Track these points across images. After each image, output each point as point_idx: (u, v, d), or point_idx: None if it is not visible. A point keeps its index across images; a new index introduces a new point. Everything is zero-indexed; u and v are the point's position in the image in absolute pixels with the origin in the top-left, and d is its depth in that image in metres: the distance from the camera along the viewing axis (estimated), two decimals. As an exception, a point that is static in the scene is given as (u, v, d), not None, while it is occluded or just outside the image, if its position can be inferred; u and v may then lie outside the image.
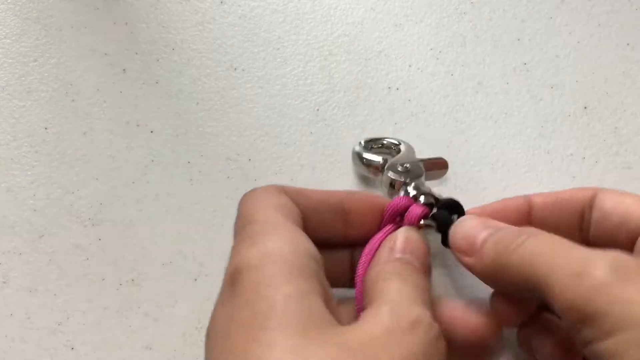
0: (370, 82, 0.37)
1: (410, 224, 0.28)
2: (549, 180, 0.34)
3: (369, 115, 0.36)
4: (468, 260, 0.26)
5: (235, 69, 0.37)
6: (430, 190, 0.30)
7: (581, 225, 0.28)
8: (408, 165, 0.32)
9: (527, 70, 0.38)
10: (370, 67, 0.38)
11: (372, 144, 0.35)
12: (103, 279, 0.32)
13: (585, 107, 0.37)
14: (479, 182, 0.34)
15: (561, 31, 0.39)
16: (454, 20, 0.39)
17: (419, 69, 0.38)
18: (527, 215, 0.28)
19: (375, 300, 0.23)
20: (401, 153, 0.33)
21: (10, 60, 0.37)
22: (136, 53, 0.38)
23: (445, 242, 0.28)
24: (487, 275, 0.26)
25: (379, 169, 0.33)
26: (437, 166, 0.34)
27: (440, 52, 0.38)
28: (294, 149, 0.35)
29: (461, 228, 0.27)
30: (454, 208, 0.29)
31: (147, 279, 0.32)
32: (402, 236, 0.27)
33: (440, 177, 0.34)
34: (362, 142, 0.35)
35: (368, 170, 0.34)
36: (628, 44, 0.39)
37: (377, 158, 0.33)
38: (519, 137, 0.36)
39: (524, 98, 0.37)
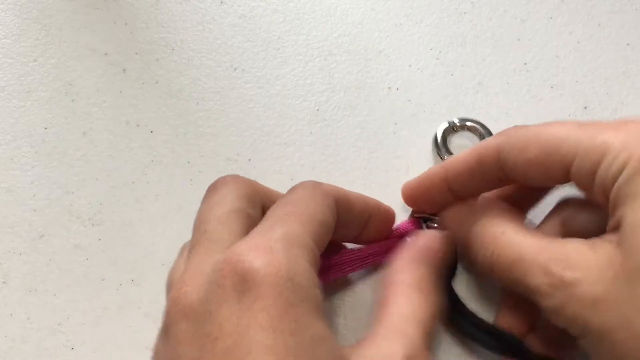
0: (370, 82, 0.37)
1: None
2: (549, 180, 0.34)
3: (368, 115, 0.36)
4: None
5: (235, 69, 0.37)
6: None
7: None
8: None
9: (527, 70, 0.38)
10: (370, 67, 0.38)
11: (462, 124, 0.35)
12: (103, 279, 0.32)
13: (585, 107, 0.37)
14: (479, 182, 0.34)
15: (561, 31, 0.39)
16: (454, 20, 0.39)
17: (419, 69, 0.38)
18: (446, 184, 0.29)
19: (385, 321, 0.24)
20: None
21: (10, 60, 0.37)
22: (136, 53, 0.38)
23: None
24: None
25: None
26: None
27: (440, 52, 0.38)
28: (294, 149, 0.35)
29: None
30: None
31: (147, 279, 0.32)
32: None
33: None
34: (455, 121, 0.35)
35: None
36: (628, 44, 0.39)
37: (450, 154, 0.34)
38: (519, 137, 0.36)
39: (524, 98, 0.37)
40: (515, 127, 0.26)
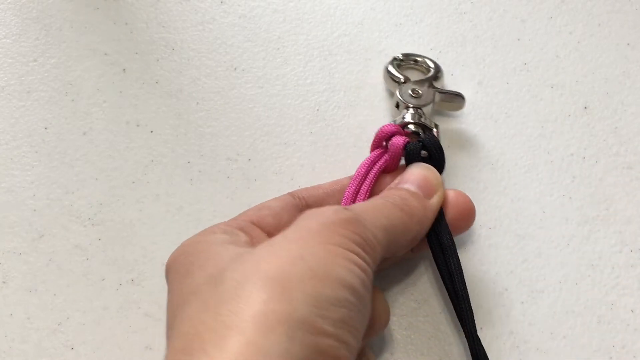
0: (370, 82, 0.37)
1: (393, 152, 0.31)
2: (549, 180, 0.34)
3: (369, 115, 0.36)
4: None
5: (235, 69, 0.37)
6: (423, 120, 0.32)
7: None
8: (420, 91, 0.33)
9: (527, 70, 0.38)
10: (370, 67, 0.38)
11: (407, 59, 0.37)
12: (103, 279, 0.32)
13: (585, 107, 0.37)
14: (479, 182, 0.34)
15: (561, 31, 0.39)
16: (454, 20, 0.39)
17: (419, 69, 0.38)
18: None
19: None
20: (425, 76, 0.35)
21: (10, 60, 0.37)
22: (136, 53, 0.38)
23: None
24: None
25: (399, 84, 0.35)
26: (453, 99, 0.34)
27: (440, 52, 0.38)
28: (294, 149, 0.35)
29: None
30: (430, 147, 0.31)
31: (147, 279, 0.32)
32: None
33: (458, 109, 0.35)
34: (399, 55, 0.37)
35: (391, 85, 0.36)
36: (628, 44, 0.39)
37: (399, 75, 0.35)
38: (519, 137, 0.36)
39: (524, 98, 0.37)
40: None
